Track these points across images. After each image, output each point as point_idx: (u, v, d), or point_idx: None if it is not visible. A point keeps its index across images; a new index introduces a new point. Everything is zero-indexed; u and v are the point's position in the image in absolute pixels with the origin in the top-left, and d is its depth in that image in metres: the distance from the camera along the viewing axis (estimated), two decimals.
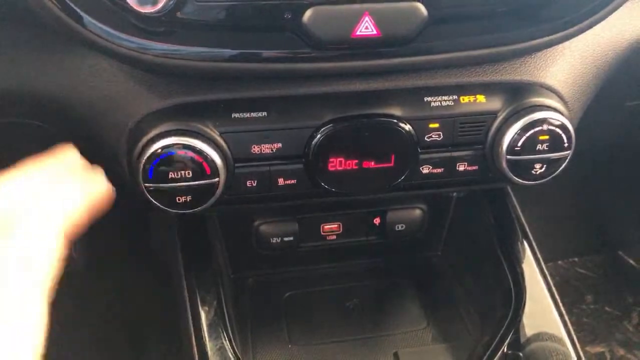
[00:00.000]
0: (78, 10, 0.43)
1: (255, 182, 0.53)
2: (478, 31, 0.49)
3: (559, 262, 1.49)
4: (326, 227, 0.71)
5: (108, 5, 0.43)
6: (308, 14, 0.45)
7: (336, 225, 0.71)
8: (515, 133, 0.52)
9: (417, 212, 0.71)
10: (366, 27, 0.46)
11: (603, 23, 0.52)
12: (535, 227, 0.73)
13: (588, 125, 0.62)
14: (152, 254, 0.96)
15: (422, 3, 0.46)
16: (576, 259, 1.49)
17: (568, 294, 1.39)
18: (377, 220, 0.71)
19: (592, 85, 0.59)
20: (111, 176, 0.43)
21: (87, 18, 0.43)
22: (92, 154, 0.45)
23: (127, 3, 0.40)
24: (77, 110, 0.52)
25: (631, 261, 1.44)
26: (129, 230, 0.97)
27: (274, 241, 0.69)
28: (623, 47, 0.59)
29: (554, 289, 0.62)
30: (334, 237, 0.72)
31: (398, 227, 0.71)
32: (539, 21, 0.49)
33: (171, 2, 0.41)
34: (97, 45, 0.45)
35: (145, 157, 0.48)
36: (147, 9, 0.41)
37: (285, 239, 0.69)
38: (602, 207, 1.37)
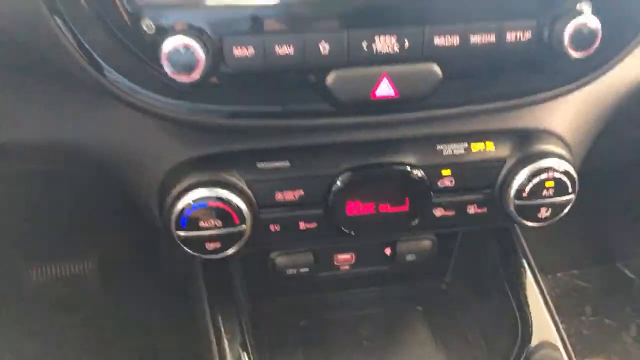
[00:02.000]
0: (118, 75, 0.46)
1: (279, 226, 0.56)
2: (489, 86, 0.52)
3: (559, 274, 1.53)
4: (340, 257, 0.74)
5: (145, 71, 0.46)
6: (331, 76, 0.48)
7: (349, 256, 0.74)
8: (523, 180, 0.56)
9: (427, 242, 0.74)
10: (385, 88, 0.49)
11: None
12: (537, 240, 0.76)
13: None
14: (165, 272, 0.99)
15: (437, 64, 0.49)
16: (576, 272, 1.52)
17: (568, 306, 1.43)
18: (388, 251, 0.75)
19: (593, 128, 0.63)
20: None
21: (124, 81, 0.47)
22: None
23: (166, 73, 0.44)
24: (108, 160, 0.55)
25: (629, 273, 1.47)
26: (141, 248, 1.01)
27: (290, 272, 0.72)
28: (622, 92, 0.63)
29: (559, 322, 0.65)
30: (347, 267, 0.75)
31: (408, 257, 0.74)
32: (548, 75, 0.53)
33: (206, 71, 0.44)
34: (132, 104, 0.48)
35: (178, 209, 0.51)
36: (184, 78, 0.44)
37: (301, 270, 0.72)
38: (600, 221, 1.40)
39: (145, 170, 0.55)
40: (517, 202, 0.57)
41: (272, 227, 0.56)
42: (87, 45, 0.45)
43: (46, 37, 0.45)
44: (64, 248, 0.93)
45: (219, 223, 0.52)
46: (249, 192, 0.54)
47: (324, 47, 0.46)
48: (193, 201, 0.51)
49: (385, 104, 0.50)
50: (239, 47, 0.45)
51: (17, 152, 0.56)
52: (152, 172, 0.55)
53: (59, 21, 0.44)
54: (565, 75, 0.52)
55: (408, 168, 0.56)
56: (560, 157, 0.57)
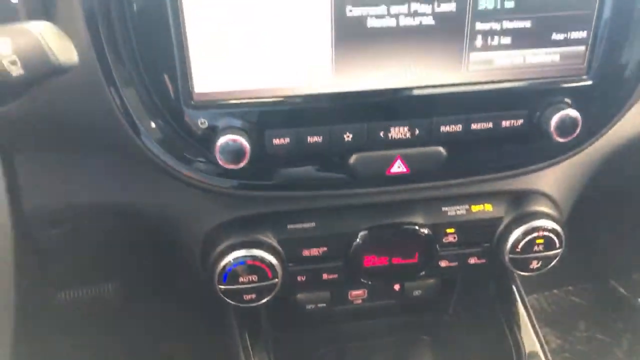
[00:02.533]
0: (171, 157, 0.55)
1: (305, 277, 0.65)
2: (487, 162, 0.61)
3: (555, 290, 1.60)
4: (354, 293, 0.83)
5: (196, 156, 0.55)
6: (353, 158, 0.57)
7: (362, 292, 0.83)
8: (516, 237, 0.65)
9: (432, 280, 0.83)
10: (398, 167, 0.58)
11: None
12: None
13: None
14: (185, 297, 1.07)
15: (443, 147, 0.58)
16: (570, 288, 1.59)
17: (563, 321, 1.50)
18: (397, 287, 0.84)
19: (579, 185, 0.71)
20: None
21: (175, 162, 0.55)
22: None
23: (217, 161, 0.52)
24: (155, 221, 0.64)
25: (622, 290, 1.54)
26: (163, 277, 1.08)
27: (309, 307, 0.81)
28: (608, 151, 0.71)
29: (548, 353, 0.74)
30: (360, 301, 0.84)
31: (415, 293, 0.83)
32: (537, 152, 0.61)
33: (250, 159, 0.52)
34: (182, 180, 0.56)
35: (219, 267, 0.60)
36: (232, 166, 0.52)
37: (319, 305, 0.80)
38: (595, 239, 1.47)
39: (189, 230, 0.64)
40: (511, 255, 0.66)
41: (299, 278, 0.65)
42: (143, 131, 0.54)
43: (108, 121, 0.53)
44: (90, 274, 1.00)
45: (254, 278, 0.61)
46: (280, 249, 0.62)
47: (348, 136, 0.55)
48: (233, 260, 0.60)
49: (398, 178, 0.59)
50: (277, 139, 0.54)
51: (74, 214, 0.64)
52: (195, 232, 0.64)
53: (121, 109, 0.52)
54: (553, 152, 0.61)
55: (417, 227, 0.65)
56: (549, 216, 0.66)
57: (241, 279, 0.61)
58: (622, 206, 1.23)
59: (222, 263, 0.60)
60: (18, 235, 0.61)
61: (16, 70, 0.36)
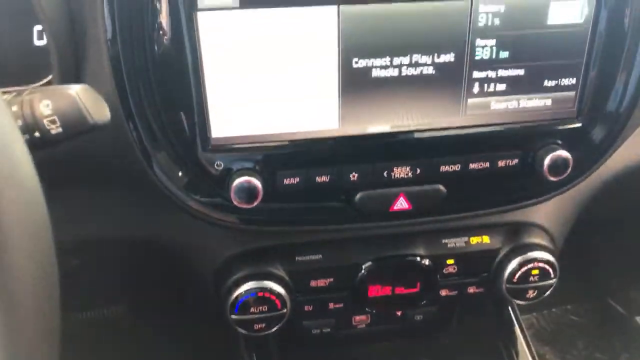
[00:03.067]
0: (186, 196, 0.58)
1: (312, 307, 0.68)
2: (484, 198, 0.65)
3: (553, 309, 1.62)
4: (357, 318, 0.86)
5: (211, 195, 0.58)
6: (358, 195, 0.60)
7: (365, 317, 0.86)
8: (513, 268, 0.68)
9: (433, 306, 0.86)
10: (401, 204, 0.61)
11: None
12: None
13: None
14: (192, 318, 1.10)
15: (443, 185, 0.61)
16: (569, 307, 1.62)
17: (561, 340, 1.52)
18: (399, 313, 0.87)
19: (572, 217, 0.75)
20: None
21: (190, 200, 0.59)
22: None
23: (231, 201, 0.56)
24: (170, 253, 0.67)
25: (620, 308, 1.57)
26: (174, 294, 1.11)
27: (314, 332, 0.83)
28: (597, 186, 0.75)
29: None
30: (364, 325, 0.87)
31: (416, 317, 0.86)
32: (531, 188, 0.65)
33: (263, 198, 0.56)
34: (196, 216, 0.60)
35: (232, 298, 0.63)
36: (246, 206, 0.56)
37: (324, 329, 0.83)
38: (594, 259, 1.50)
39: (202, 262, 0.67)
40: (508, 285, 0.69)
41: (306, 308, 0.68)
42: (163, 171, 0.57)
43: (131, 162, 0.57)
44: (102, 297, 1.03)
45: (265, 308, 0.64)
46: (289, 281, 0.66)
47: (354, 176, 0.59)
48: (245, 291, 0.63)
49: (401, 214, 0.62)
50: (288, 179, 0.57)
51: (94, 247, 0.67)
52: (207, 264, 0.67)
53: (142, 152, 0.56)
54: (546, 188, 0.65)
55: (419, 258, 0.68)
56: (544, 248, 0.69)
57: (252, 310, 0.64)
58: (618, 228, 1.26)
59: (234, 295, 0.63)
60: None
61: (55, 129, 0.40)
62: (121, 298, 0.98)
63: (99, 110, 0.42)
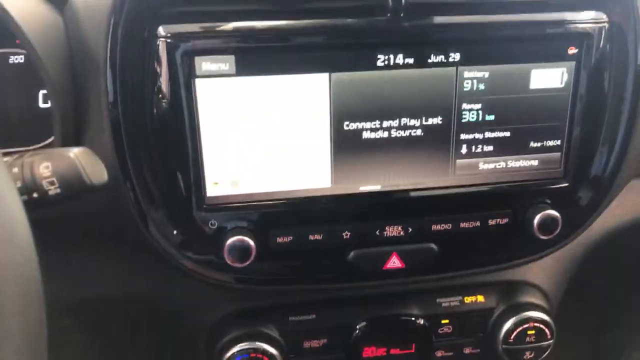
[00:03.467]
0: (179, 254, 0.59)
1: None
2: (476, 257, 0.65)
3: None
4: None
5: (205, 254, 0.59)
6: (351, 254, 0.61)
7: None
8: (508, 328, 0.67)
9: None
10: (393, 262, 0.62)
11: None
12: None
13: None
14: None
15: (435, 244, 0.62)
16: None
17: None
18: None
19: (567, 275, 0.75)
20: None
21: (186, 259, 0.59)
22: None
23: (224, 260, 0.56)
24: (162, 311, 0.67)
25: None
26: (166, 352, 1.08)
27: None
28: (590, 244, 0.75)
29: None
30: None
31: None
32: (523, 247, 0.65)
33: (256, 257, 0.57)
34: (189, 275, 0.60)
35: (224, 359, 0.62)
36: (239, 265, 0.56)
37: None
38: (595, 320, 1.47)
39: (194, 321, 0.67)
40: (504, 346, 0.68)
41: None
42: (155, 230, 0.58)
43: (126, 223, 0.57)
44: (93, 354, 1.00)
45: None
46: (282, 341, 0.65)
47: (346, 235, 0.60)
48: (237, 352, 0.62)
49: (394, 272, 0.63)
50: (281, 237, 0.58)
51: (85, 306, 0.67)
52: (200, 323, 0.67)
53: (137, 211, 0.57)
54: (537, 247, 0.65)
55: (413, 318, 0.67)
56: (539, 307, 0.69)
57: None
58: (620, 288, 1.25)
59: (227, 355, 0.62)
60: None
61: (54, 190, 0.41)
62: (114, 356, 0.96)
63: (96, 172, 0.43)
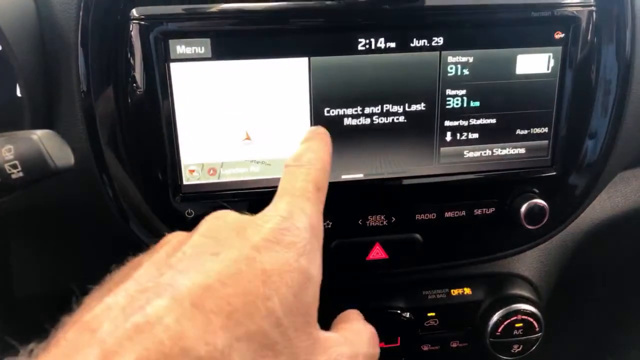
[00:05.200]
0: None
1: None
2: (461, 248, 0.63)
3: None
4: None
5: None
6: (333, 244, 0.59)
7: None
8: (496, 321, 0.66)
9: None
10: (377, 253, 0.60)
11: None
12: None
13: None
14: None
15: (419, 234, 0.60)
16: None
17: None
18: None
19: (557, 268, 0.73)
20: None
21: None
22: None
23: None
24: None
25: None
26: None
27: None
28: (579, 236, 0.74)
29: None
30: None
31: None
32: (510, 238, 0.64)
33: None
34: None
35: None
36: None
37: None
38: (589, 313, 1.46)
39: None
40: (492, 339, 0.66)
41: None
42: (132, 221, 0.57)
43: (100, 212, 0.56)
44: None
45: None
46: None
47: (328, 224, 0.58)
48: None
49: (378, 264, 0.61)
50: None
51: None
52: None
53: (113, 201, 0.56)
54: (525, 238, 0.64)
55: (399, 311, 0.66)
56: (527, 300, 0.67)
57: None
58: (614, 281, 1.24)
59: None
60: (8, 319, 0.63)
61: (16, 174, 0.40)
62: None
63: (62, 155, 0.42)
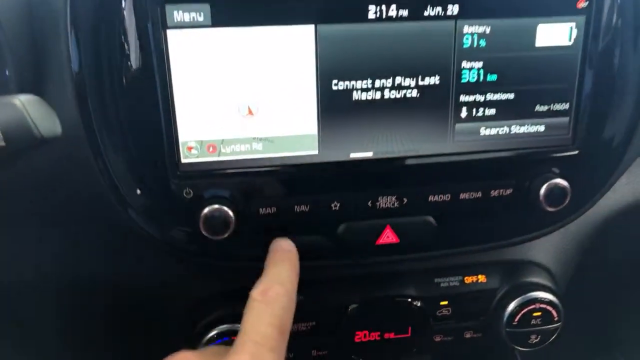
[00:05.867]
0: (151, 227, 0.54)
1: (292, 354, 0.62)
2: (477, 232, 0.60)
3: None
4: None
5: (179, 227, 0.54)
6: (341, 227, 0.56)
7: None
8: (512, 310, 0.62)
9: (426, 354, 0.79)
10: (387, 237, 0.57)
11: None
12: None
13: None
14: None
15: (432, 217, 0.57)
16: None
17: None
18: None
19: (576, 255, 0.70)
20: None
21: (157, 232, 0.54)
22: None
23: (201, 232, 0.51)
24: (133, 294, 0.62)
25: None
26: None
27: None
28: (600, 220, 0.70)
29: None
30: None
31: None
32: (528, 221, 0.60)
33: (235, 230, 0.52)
34: (162, 250, 0.55)
35: (201, 343, 0.57)
36: (216, 237, 0.51)
37: None
38: (599, 312, 1.42)
39: (170, 303, 0.62)
40: (508, 329, 0.63)
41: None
42: (128, 200, 0.53)
43: (92, 190, 0.52)
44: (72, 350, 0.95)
45: None
46: None
47: (335, 205, 0.55)
48: (216, 335, 0.57)
49: (388, 248, 0.58)
50: (263, 208, 0.53)
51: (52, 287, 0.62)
52: (177, 305, 0.61)
53: (105, 179, 0.52)
54: (543, 221, 0.60)
55: (410, 300, 0.62)
56: (545, 288, 0.63)
57: None
58: (629, 273, 1.20)
59: (204, 340, 0.57)
60: None
61: None
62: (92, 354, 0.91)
63: (48, 122, 0.38)
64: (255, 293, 0.45)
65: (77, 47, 0.49)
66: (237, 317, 0.58)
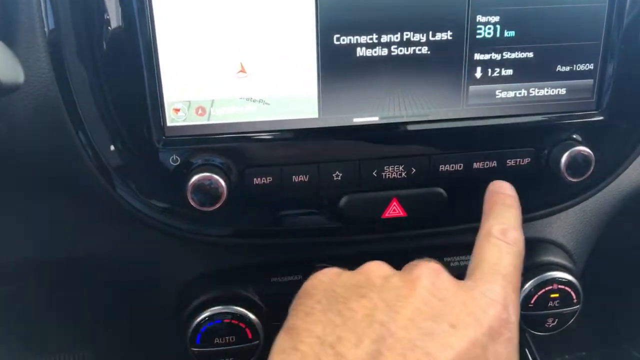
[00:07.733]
0: (137, 198, 0.49)
1: None
2: None
3: (567, 356, 1.49)
4: None
5: (167, 197, 0.49)
6: (344, 200, 0.51)
7: None
8: (528, 291, 0.58)
9: None
10: (394, 210, 0.52)
11: None
12: None
13: None
14: None
15: (443, 188, 0.52)
16: (584, 353, 1.49)
17: None
18: None
19: (594, 235, 0.65)
20: None
21: (142, 205, 0.50)
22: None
23: (190, 204, 0.47)
24: (122, 275, 0.57)
25: (636, 353, 1.44)
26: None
27: None
28: (623, 195, 0.65)
29: None
30: None
31: None
32: (547, 193, 0.56)
33: (227, 201, 0.47)
34: (149, 225, 0.50)
35: (192, 325, 0.53)
36: (207, 209, 0.47)
37: None
38: (607, 303, 1.39)
39: (159, 285, 0.57)
40: (523, 312, 0.58)
41: None
42: (110, 170, 0.48)
43: (71, 161, 0.48)
44: (64, 340, 0.91)
45: (232, 339, 0.53)
46: (263, 306, 0.55)
47: (337, 175, 0.50)
48: (208, 317, 0.53)
49: (395, 223, 0.53)
50: (258, 178, 0.48)
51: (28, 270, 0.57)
52: (166, 286, 0.57)
53: (86, 147, 0.47)
54: (563, 194, 0.56)
55: None
56: (564, 268, 0.59)
57: (217, 340, 0.53)
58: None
59: (196, 321, 0.52)
60: None
61: None
62: (80, 342, 0.87)
63: (10, 69, 0.33)
64: (496, 231, 0.42)
65: (52, 6, 0.44)
66: (232, 300, 0.54)
